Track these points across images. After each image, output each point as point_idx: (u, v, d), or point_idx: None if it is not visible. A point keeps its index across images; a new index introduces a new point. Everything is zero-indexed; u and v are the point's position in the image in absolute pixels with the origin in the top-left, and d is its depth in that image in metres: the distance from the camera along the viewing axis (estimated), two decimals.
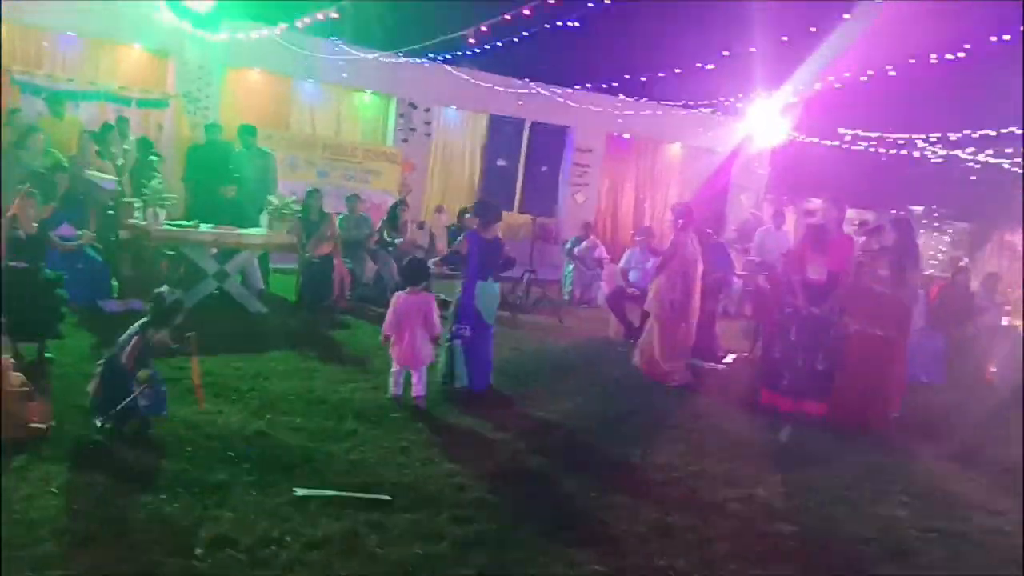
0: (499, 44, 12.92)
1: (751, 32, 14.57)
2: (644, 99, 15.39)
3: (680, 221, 7.94)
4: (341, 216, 9.94)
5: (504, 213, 12.14)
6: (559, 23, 11.52)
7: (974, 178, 15.88)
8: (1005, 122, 13.53)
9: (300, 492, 3.83)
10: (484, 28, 11.52)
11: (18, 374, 4.18)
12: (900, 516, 4.53)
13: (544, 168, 9.16)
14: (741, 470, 5.04)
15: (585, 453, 5.09)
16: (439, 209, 14.31)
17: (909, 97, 14.37)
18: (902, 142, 15.28)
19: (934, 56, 12.02)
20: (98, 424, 4.25)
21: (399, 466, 4.40)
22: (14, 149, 7.62)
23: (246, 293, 8.07)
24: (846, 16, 12.13)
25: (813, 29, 13.41)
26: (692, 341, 7.85)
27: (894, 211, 17.37)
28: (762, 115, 15.81)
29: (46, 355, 4.90)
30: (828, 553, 3.98)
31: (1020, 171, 14.55)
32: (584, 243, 11.73)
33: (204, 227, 7.71)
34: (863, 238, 7.87)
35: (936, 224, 21.35)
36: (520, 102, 13.97)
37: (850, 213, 16.09)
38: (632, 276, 9.62)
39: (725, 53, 12.86)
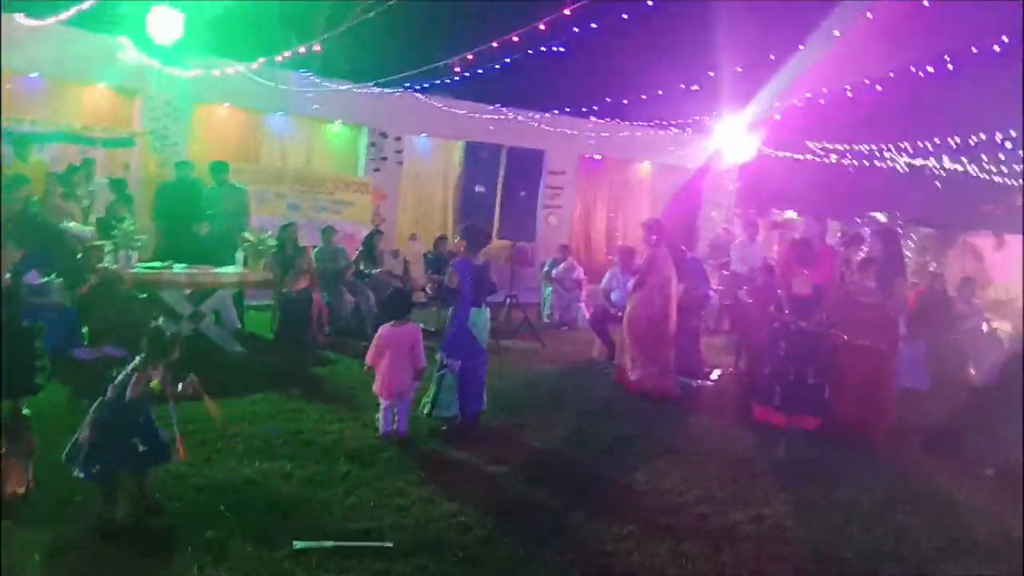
0: (469, 72, 12.93)
1: (719, 52, 14.80)
2: (615, 120, 15.47)
3: (653, 237, 7.92)
4: (316, 248, 9.76)
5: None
6: (530, 51, 11.52)
7: (939, 184, 16.17)
8: (969, 130, 13.81)
9: (299, 545, 3.66)
10: (456, 60, 11.50)
11: None
12: (912, 529, 4.46)
13: (522, 193, 9.10)
14: (746, 491, 4.95)
15: (587, 482, 4.96)
16: (413, 237, 14.21)
17: (875, 110, 14.61)
18: (866, 152, 15.52)
19: (915, 67, 12.22)
20: (81, 475, 3.98)
21: (398, 509, 4.24)
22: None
23: (223, 334, 7.85)
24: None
25: (772, 57, 13.70)
26: (673, 356, 7.83)
27: (858, 219, 17.62)
28: (730, 132, 15.97)
29: (23, 412, 4.65)
30: (847, 573, 3.88)
31: (985, 177, 14.82)
32: (562, 265, 11.67)
33: (178, 267, 7.50)
34: (842, 248, 7.93)
35: (900, 230, 21.70)
36: (491, 128, 13.95)
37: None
38: (614, 297, 9.58)
39: (711, 73, 12.96)
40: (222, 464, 4.69)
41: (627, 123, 15.81)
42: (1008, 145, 13.73)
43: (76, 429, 4.29)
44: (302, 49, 11.41)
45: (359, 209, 13.77)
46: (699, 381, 8.28)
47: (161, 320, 4.07)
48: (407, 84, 13.22)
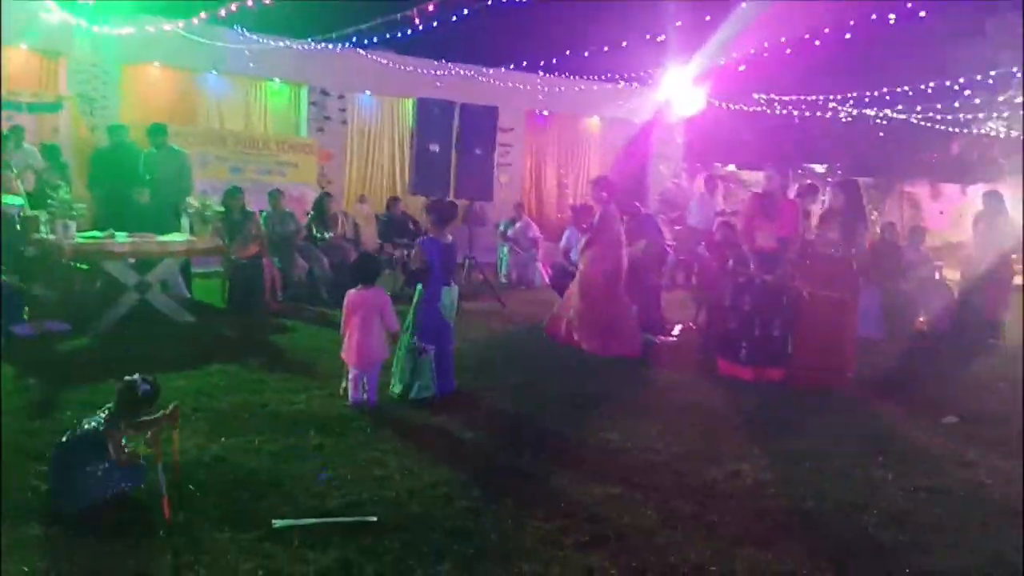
0: (413, 28, 12.51)
1: (666, 4, 14.63)
2: (563, 75, 15.24)
3: (603, 195, 7.84)
4: (264, 213, 9.42)
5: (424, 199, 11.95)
6: (476, 5, 11.18)
7: (882, 134, 16.45)
8: (909, 80, 14.03)
9: (279, 524, 3.49)
10: (400, 15, 11.09)
11: None
12: (886, 478, 4.52)
13: (478, 151, 8.87)
14: (720, 447, 4.95)
15: (564, 443, 4.88)
16: (361, 199, 13.88)
17: (819, 62, 14.71)
18: (810, 102, 15.66)
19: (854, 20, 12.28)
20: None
21: (378, 481, 4.09)
22: None
23: (172, 303, 7.51)
24: None
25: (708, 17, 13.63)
26: (632, 312, 7.83)
27: (800, 170, 17.85)
28: (678, 84, 15.90)
29: None
30: (831, 526, 3.91)
31: (928, 125, 15.13)
32: (517, 224, 11.55)
33: (120, 236, 7.11)
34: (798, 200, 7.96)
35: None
36: (438, 84, 13.61)
37: (757, 176, 16.77)
38: (573, 255, 9.48)
39: (652, 35, 12.80)
40: (186, 441, 4.45)
41: (575, 78, 15.60)
42: (953, 91, 13.99)
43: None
44: (234, 7, 10.85)
45: (304, 171, 13.35)
46: (661, 337, 8.29)
47: (136, 376, 3.76)
48: (351, 40, 12.75)
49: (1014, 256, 8.94)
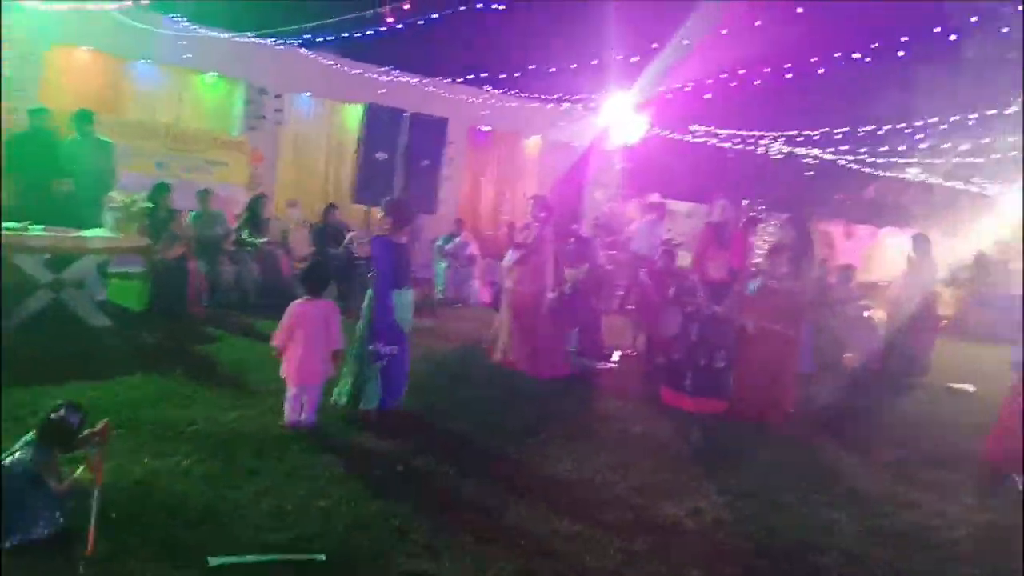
0: (359, 31, 12.21)
1: (611, 30, 14.76)
2: (508, 91, 15.12)
3: (542, 214, 7.78)
4: (192, 213, 8.91)
5: (365, 209, 11.60)
6: (427, 15, 11.01)
7: (811, 172, 16.99)
8: (843, 123, 14.53)
9: (215, 561, 3.17)
10: (346, 17, 10.78)
11: None
12: (839, 519, 4.49)
13: (425, 162, 8.63)
14: (674, 480, 4.85)
15: (515, 472, 4.68)
16: (292, 204, 13.34)
17: (756, 98, 15.07)
18: (741, 138, 16.04)
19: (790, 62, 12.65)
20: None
21: (323, 512, 3.79)
22: None
23: (88, 305, 6.96)
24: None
25: (654, 45, 13.85)
26: (562, 336, 7.76)
27: (721, 203, 18.10)
28: (619, 110, 16.01)
29: None
30: (794, 569, 3.84)
31: (853, 167, 15.68)
32: (456, 240, 11.31)
33: (35, 229, 6.54)
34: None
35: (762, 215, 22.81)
36: (382, 91, 13.26)
37: (685, 207, 17.05)
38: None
39: (598, 59, 12.86)
40: (106, 462, 4.04)
41: (519, 95, 15.50)
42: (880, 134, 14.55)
43: None
44: None
45: (234, 170, 12.74)
46: (601, 363, 8.21)
47: (63, 411, 3.38)
48: (296, 39, 12.32)
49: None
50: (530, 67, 14.62)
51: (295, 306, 5.03)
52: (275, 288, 9.06)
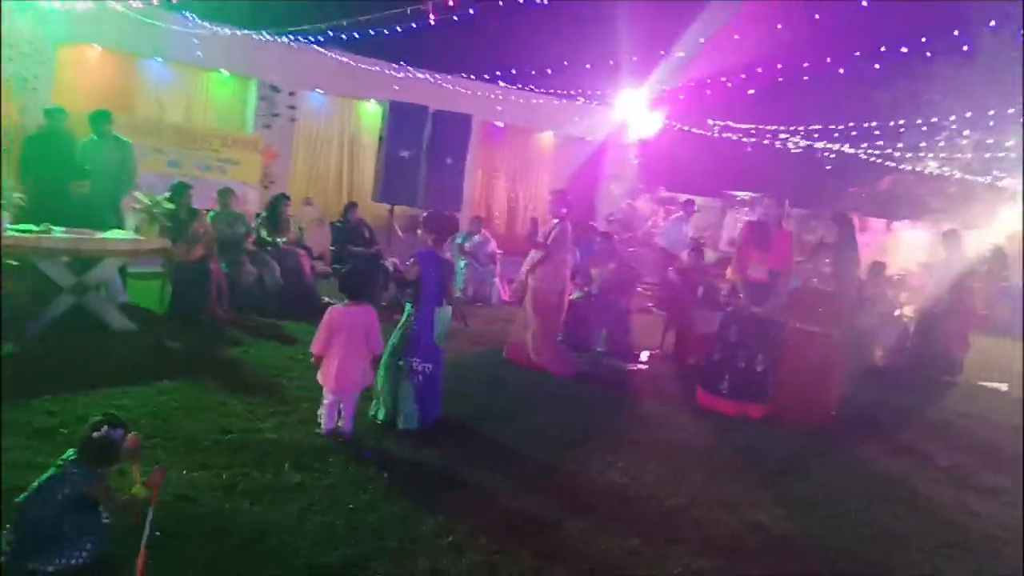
0: (372, 28, 12.03)
1: (624, 26, 14.59)
2: (521, 87, 14.95)
3: (563, 210, 7.62)
4: (212, 213, 8.72)
5: (371, 204, 11.41)
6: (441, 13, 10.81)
7: (829, 167, 16.80)
8: (863, 117, 14.34)
9: None
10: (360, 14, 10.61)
11: None
12: (904, 532, 4.32)
13: (449, 159, 8.44)
14: (728, 491, 4.67)
15: (571, 485, 4.48)
16: (307, 201, 13.21)
17: (772, 93, 14.90)
18: (757, 131, 15.86)
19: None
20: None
21: (373, 531, 3.62)
22: None
23: (111, 309, 6.78)
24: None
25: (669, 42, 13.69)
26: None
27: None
28: (635, 105, 15.82)
29: None
30: None
31: (872, 160, 15.49)
32: (476, 238, 11.12)
33: (57, 232, 6.37)
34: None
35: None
36: (396, 87, 13.11)
37: (698, 201, 16.85)
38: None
39: (613, 53, 12.69)
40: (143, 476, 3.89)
41: (533, 91, 15.34)
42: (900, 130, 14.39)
43: None
44: None
45: (247, 169, 12.59)
46: (632, 365, 8.03)
47: (105, 428, 3.20)
48: (309, 36, 12.14)
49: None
50: (544, 62, 14.47)
51: (334, 312, 4.85)
52: (297, 290, 8.88)
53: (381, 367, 5.06)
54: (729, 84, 14.05)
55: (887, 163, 17.31)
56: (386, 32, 11.97)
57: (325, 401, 4.85)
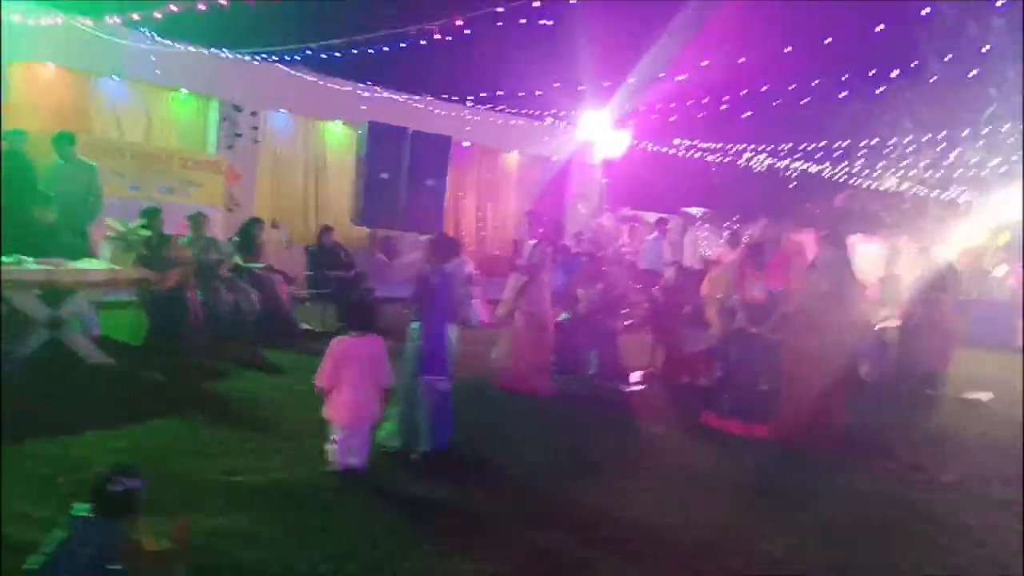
0: (338, 48, 11.83)
1: (589, 46, 14.66)
2: (486, 107, 14.88)
3: (540, 230, 7.59)
4: (185, 239, 8.36)
5: (340, 225, 11.17)
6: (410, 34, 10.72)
7: (793, 184, 17.10)
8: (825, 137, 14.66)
9: None
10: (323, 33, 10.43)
11: None
12: (939, 561, 4.26)
13: (429, 181, 8.27)
14: (750, 519, 4.56)
15: (601, 520, 4.29)
16: (274, 224, 12.87)
17: (735, 113, 15.12)
18: (725, 150, 16.08)
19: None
20: None
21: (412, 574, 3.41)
22: None
23: (87, 343, 6.41)
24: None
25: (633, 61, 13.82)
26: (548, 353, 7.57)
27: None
28: (599, 125, 15.88)
29: None
30: None
31: (834, 178, 15.82)
32: (453, 260, 10.90)
33: (28, 263, 5.98)
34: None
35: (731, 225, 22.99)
36: (363, 107, 12.88)
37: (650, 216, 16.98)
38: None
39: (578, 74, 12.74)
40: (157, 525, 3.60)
41: (498, 111, 15.28)
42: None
43: None
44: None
45: (210, 191, 12.19)
46: (628, 386, 7.94)
47: (123, 480, 2.93)
48: (272, 54, 11.86)
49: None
50: (510, 82, 14.43)
51: (340, 344, 4.62)
52: (274, 316, 8.58)
53: (396, 390, 4.88)
54: (689, 103, 14.20)
55: (849, 180, 17.72)
56: (354, 52, 11.79)
57: (335, 436, 4.61)
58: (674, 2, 14.35)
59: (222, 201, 12.31)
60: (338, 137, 14.22)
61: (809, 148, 15.74)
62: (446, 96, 14.47)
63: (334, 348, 4.64)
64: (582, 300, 8.69)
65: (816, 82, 13.17)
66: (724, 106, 14.21)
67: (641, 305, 9.39)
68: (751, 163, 16.37)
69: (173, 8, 9.15)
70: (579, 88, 14.83)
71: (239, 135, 12.77)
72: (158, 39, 11.37)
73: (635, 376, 8.39)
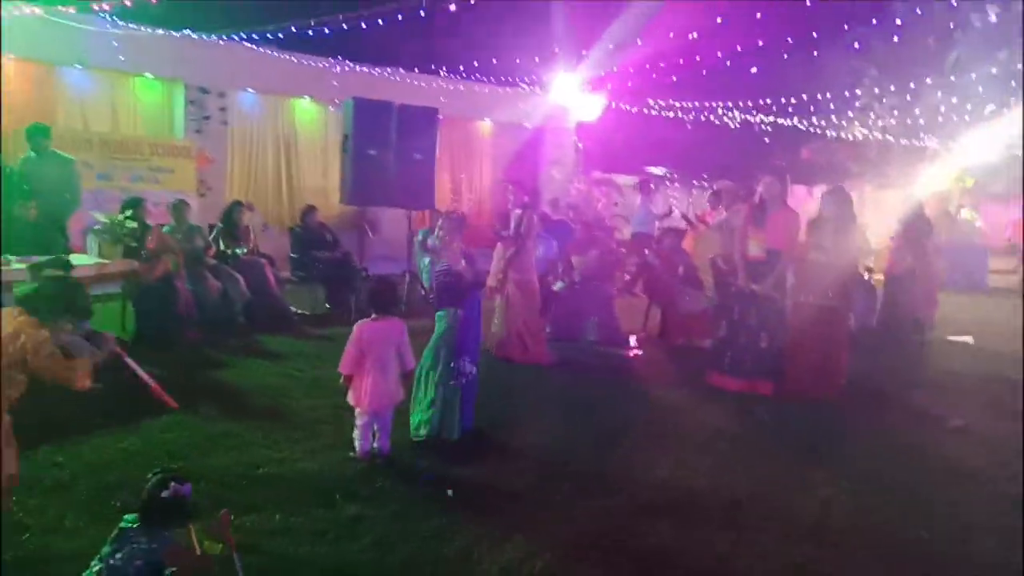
0: (301, 24, 11.52)
1: (560, 10, 14.44)
2: (456, 76, 14.64)
3: (525, 198, 7.56)
4: (167, 227, 8.13)
5: (321, 203, 11.03)
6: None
7: (767, 140, 17.13)
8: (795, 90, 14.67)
9: None
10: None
11: None
12: (965, 509, 4.32)
13: (417, 155, 8.12)
14: (782, 472, 4.63)
15: (633, 489, 4.28)
16: (249, 207, 12.57)
17: (705, 70, 15.04)
18: (700, 108, 16.05)
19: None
20: None
21: (463, 563, 3.38)
22: None
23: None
24: None
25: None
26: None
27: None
28: (570, 89, 15.71)
29: None
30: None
31: (810, 130, 15.87)
32: (438, 233, 10.78)
33: (10, 260, 5.76)
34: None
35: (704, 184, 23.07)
36: (335, 83, 12.61)
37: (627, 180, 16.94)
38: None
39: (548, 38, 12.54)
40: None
41: (469, 79, 15.04)
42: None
43: None
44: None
45: (182, 177, 11.91)
46: (628, 351, 7.96)
47: (171, 486, 2.83)
48: (237, 33, 11.51)
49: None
50: (480, 50, 14.20)
51: (362, 328, 4.52)
52: (264, 301, 8.42)
53: (423, 377, 4.81)
54: (662, 65, 14.10)
55: (815, 131, 17.80)
56: (326, 30, 11.51)
57: (359, 422, 4.54)
58: None
59: (194, 187, 12.04)
60: (308, 113, 13.91)
61: (782, 103, 15.75)
62: (417, 67, 14.20)
63: (358, 333, 4.53)
64: (577, 267, 8.67)
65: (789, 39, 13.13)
66: (697, 64, 14.12)
67: (634, 269, 9.41)
68: (725, 119, 16.34)
69: None
70: (551, 52, 14.64)
71: (207, 118, 12.44)
72: (119, 23, 10.96)
73: (634, 340, 8.41)
